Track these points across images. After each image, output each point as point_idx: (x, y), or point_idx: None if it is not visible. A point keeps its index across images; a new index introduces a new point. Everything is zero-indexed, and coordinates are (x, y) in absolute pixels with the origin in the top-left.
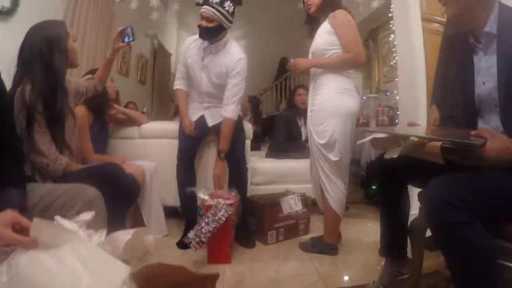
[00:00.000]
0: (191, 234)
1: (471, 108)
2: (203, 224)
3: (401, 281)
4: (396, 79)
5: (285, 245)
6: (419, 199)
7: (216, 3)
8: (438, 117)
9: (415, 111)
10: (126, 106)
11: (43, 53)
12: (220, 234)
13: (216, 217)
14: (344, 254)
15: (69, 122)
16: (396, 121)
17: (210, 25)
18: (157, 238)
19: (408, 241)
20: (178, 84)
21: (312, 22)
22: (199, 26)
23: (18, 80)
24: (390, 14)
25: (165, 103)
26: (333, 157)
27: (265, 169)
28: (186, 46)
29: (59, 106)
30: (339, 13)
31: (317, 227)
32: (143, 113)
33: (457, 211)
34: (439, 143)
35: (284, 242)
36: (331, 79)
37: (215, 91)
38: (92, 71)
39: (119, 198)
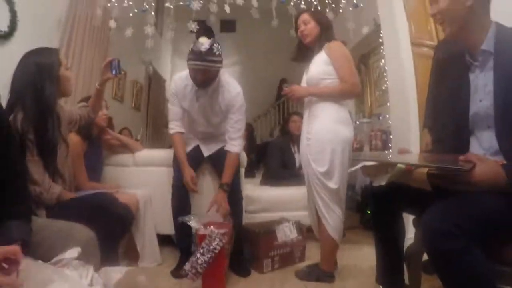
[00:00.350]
0: (187, 266)
1: (464, 127)
2: (198, 255)
3: None
4: (388, 103)
5: (280, 273)
6: (414, 225)
7: (205, 53)
8: (430, 140)
9: (407, 135)
10: (120, 132)
11: (35, 81)
12: (214, 263)
13: (211, 247)
14: (341, 280)
15: (61, 150)
16: (390, 144)
17: (205, 77)
18: (151, 267)
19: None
20: (175, 127)
21: (304, 49)
22: (194, 80)
23: (10, 107)
24: (380, 40)
25: (159, 129)
26: (332, 185)
27: (260, 197)
28: (176, 87)
29: (50, 134)
30: (335, 44)
31: (313, 254)
32: (137, 140)
33: (453, 239)
34: (426, 170)
35: (279, 270)
36: (327, 107)
37: (212, 129)
38: (87, 98)
39: (112, 228)
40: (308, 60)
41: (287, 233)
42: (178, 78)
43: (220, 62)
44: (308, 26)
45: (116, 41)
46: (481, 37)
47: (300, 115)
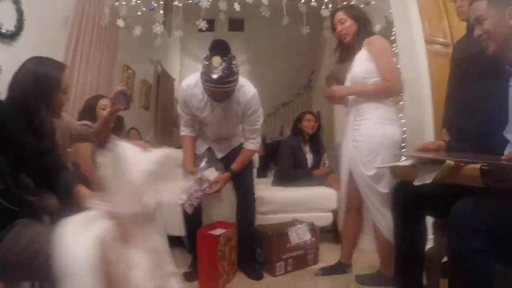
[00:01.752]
0: (184, 197)
1: (498, 130)
2: (193, 191)
3: None
4: (401, 102)
5: (294, 276)
6: (434, 228)
7: (225, 74)
8: (448, 140)
9: (421, 134)
10: (128, 133)
11: (29, 98)
12: (208, 266)
13: (202, 187)
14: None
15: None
16: (403, 144)
17: (223, 96)
18: None
19: None
20: (184, 131)
21: (345, 49)
22: (211, 98)
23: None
24: (392, 37)
25: (169, 128)
26: (382, 189)
27: (272, 198)
28: (185, 96)
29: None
30: (375, 39)
31: (326, 257)
32: (146, 142)
33: (480, 237)
34: (478, 166)
35: (293, 273)
36: (373, 108)
37: (226, 132)
38: (84, 111)
39: None
40: (351, 58)
41: (300, 235)
42: (186, 86)
43: (237, 78)
44: (346, 25)
45: (125, 40)
46: None
47: (314, 114)
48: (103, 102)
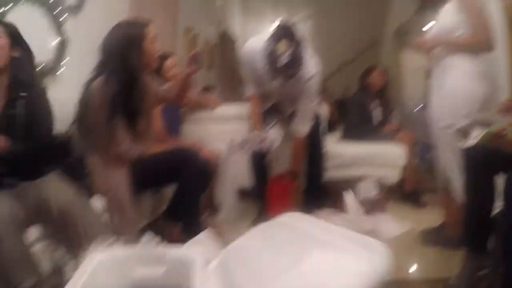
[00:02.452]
0: (240, 140)
1: None
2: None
3: (482, 276)
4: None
5: None
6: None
7: (291, 61)
8: None
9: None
10: (201, 92)
11: (122, 50)
12: (280, 210)
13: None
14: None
15: (145, 115)
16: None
17: (289, 79)
18: (230, 220)
19: None
20: (250, 90)
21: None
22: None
23: (97, 73)
24: None
25: (233, 87)
26: (465, 145)
27: (340, 153)
28: (249, 58)
29: (134, 100)
30: None
31: (391, 214)
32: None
33: None
34: None
35: None
36: (461, 61)
37: (290, 95)
38: (160, 58)
39: (195, 182)
40: (435, 9)
41: (368, 190)
42: (249, 51)
43: (303, 63)
44: None
45: (187, 2)
46: None
47: (381, 69)
48: (170, 62)
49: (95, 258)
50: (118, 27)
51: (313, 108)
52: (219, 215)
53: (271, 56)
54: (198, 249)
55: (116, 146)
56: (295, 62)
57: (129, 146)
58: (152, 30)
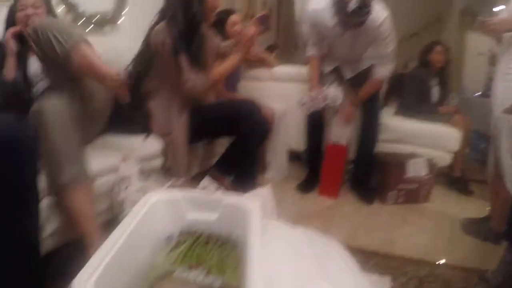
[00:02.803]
0: (308, 101)
1: None
2: (316, 99)
3: None
4: None
5: (402, 209)
6: None
7: (360, 6)
8: None
9: None
10: (267, 50)
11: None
12: (333, 174)
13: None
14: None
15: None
16: None
17: (358, 25)
18: (277, 180)
19: None
20: (311, 51)
21: None
22: (345, 28)
23: (160, 17)
24: None
25: (291, 49)
26: None
27: (394, 127)
28: (313, 17)
29: (195, 46)
30: None
31: (437, 198)
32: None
33: None
34: None
35: (402, 205)
36: None
37: (355, 54)
38: (225, 13)
39: (254, 137)
40: None
41: (417, 168)
42: (313, 10)
43: (371, 8)
44: None
45: None
46: None
47: (445, 46)
48: (234, 18)
49: (153, 197)
50: None
51: (391, 52)
52: (267, 174)
53: (340, 3)
54: (257, 201)
55: (182, 81)
56: (364, 7)
57: (195, 79)
58: None
